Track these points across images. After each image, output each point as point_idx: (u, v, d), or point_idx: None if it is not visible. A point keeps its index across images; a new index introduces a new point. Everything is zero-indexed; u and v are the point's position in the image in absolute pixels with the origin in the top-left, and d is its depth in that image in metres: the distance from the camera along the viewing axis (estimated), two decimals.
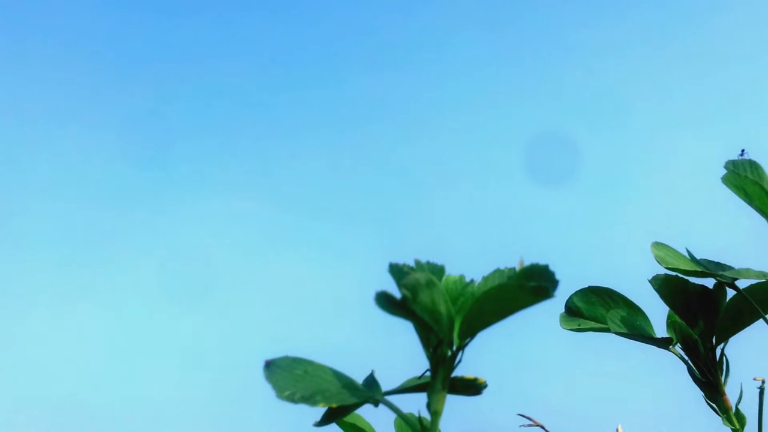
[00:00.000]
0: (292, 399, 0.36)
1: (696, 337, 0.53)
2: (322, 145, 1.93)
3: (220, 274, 1.58)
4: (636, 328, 0.54)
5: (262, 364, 0.38)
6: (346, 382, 0.40)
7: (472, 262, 0.43)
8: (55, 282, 1.61)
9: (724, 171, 0.51)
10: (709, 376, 0.53)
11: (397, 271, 0.39)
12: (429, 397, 0.39)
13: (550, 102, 1.88)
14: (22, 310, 1.54)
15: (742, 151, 0.53)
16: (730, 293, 0.53)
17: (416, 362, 0.41)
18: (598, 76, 1.89)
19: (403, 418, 0.39)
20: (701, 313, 0.53)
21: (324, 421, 0.40)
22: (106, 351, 1.45)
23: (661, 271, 0.53)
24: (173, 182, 1.87)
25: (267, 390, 0.37)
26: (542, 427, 0.58)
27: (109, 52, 2.05)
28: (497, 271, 0.41)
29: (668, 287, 0.53)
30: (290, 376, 0.38)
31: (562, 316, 0.57)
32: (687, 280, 0.53)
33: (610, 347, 0.58)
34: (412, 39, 2.06)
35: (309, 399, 0.36)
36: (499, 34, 2.01)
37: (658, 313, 0.56)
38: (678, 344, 0.54)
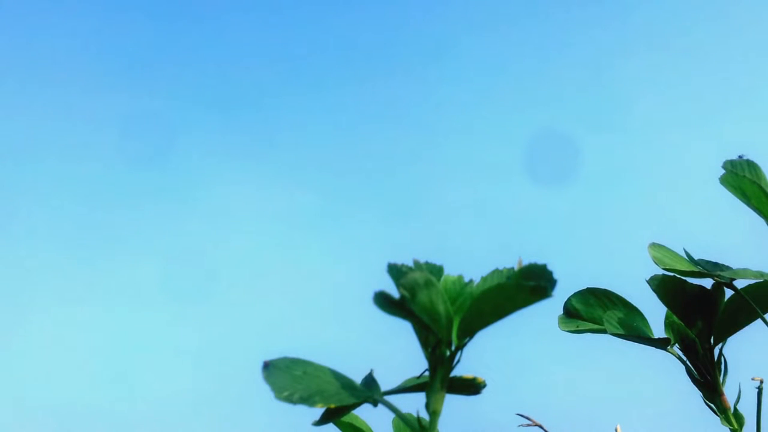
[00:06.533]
0: (290, 400, 0.36)
1: (694, 337, 0.53)
2: (324, 144, 1.93)
3: (221, 273, 1.58)
4: (633, 329, 0.54)
5: (260, 364, 0.38)
6: (344, 383, 0.40)
7: (471, 263, 0.43)
8: (57, 283, 1.61)
9: (722, 171, 0.51)
10: (707, 377, 0.53)
11: (395, 271, 0.39)
12: (428, 397, 0.39)
13: (549, 102, 1.88)
14: (24, 312, 1.54)
15: (740, 157, 0.53)
16: (728, 293, 0.53)
17: (415, 362, 0.41)
18: (597, 77, 1.89)
19: (401, 418, 0.39)
20: (699, 313, 0.53)
21: (322, 420, 0.40)
22: (107, 352, 1.45)
23: (660, 271, 0.53)
24: (175, 181, 1.87)
25: (266, 391, 0.37)
26: (541, 427, 0.58)
27: (109, 51, 2.05)
28: (496, 271, 0.41)
29: (666, 288, 0.53)
30: (289, 377, 0.38)
31: (560, 317, 0.57)
32: (685, 281, 0.53)
33: (609, 348, 0.58)
34: (417, 41, 2.06)
35: (307, 400, 0.36)
36: (501, 35, 2.01)
37: (656, 314, 0.56)
38: (676, 345, 0.54)
